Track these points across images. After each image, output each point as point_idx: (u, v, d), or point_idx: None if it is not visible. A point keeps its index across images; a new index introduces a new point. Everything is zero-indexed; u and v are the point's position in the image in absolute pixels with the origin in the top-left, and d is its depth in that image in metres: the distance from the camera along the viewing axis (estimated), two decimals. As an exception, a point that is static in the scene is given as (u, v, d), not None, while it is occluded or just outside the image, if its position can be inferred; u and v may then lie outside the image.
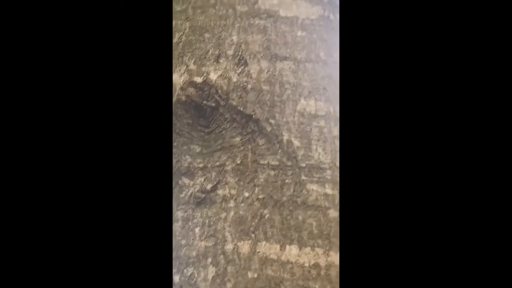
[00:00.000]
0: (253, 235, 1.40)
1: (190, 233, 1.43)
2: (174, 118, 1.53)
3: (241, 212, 1.42)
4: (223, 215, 1.43)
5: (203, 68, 1.56)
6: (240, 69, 1.54)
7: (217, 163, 1.47)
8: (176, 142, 1.53)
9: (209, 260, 1.42)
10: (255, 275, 1.39)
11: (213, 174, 1.46)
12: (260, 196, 1.42)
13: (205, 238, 1.42)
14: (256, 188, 1.43)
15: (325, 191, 1.44)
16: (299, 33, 1.59)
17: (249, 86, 1.52)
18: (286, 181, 1.44)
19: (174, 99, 1.53)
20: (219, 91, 1.52)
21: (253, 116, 1.49)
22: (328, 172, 1.46)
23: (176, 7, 1.64)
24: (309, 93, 1.53)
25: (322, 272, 1.40)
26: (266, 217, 1.41)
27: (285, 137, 1.47)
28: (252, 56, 1.55)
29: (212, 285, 1.40)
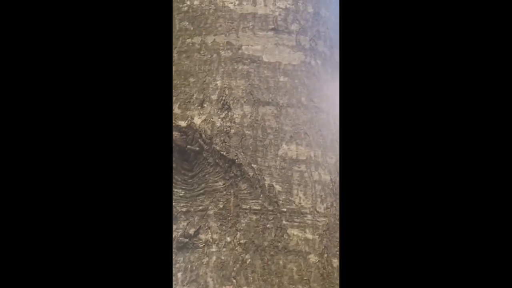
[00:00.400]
0: (234, 281, 1.42)
1: (173, 278, 1.45)
2: (158, 162, 1.55)
3: (223, 257, 1.44)
4: (205, 260, 1.45)
5: (188, 112, 1.58)
6: (223, 114, 1.57)
7: (200, 207, 1.49)
8: (160, 185, 1.55)
9: (191, 303, 1.44)
10: (236, 319, 1.41)
11: (196, 218, 1.48)
12: (242, 241, 1.45)
13: (187, 284, 1.44)
14: (238, 233, 1.45)
15: (306, 235, 1.47)
16: (281, 78, 1.62)
17: (232, 131, 1.55)
18: (268, 225, 1.47)
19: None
20: (203, 135, 1.54)
21: (236, 160, 1.51)
22: (309, 216, 1.49)
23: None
24: (290, 137, 1.56)
25: (302, 316, 1.42)
26: (248, 262, 1.43)
27: (267, 182, 1.50)
28: (235, 101, 1.58)
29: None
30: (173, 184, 1.53)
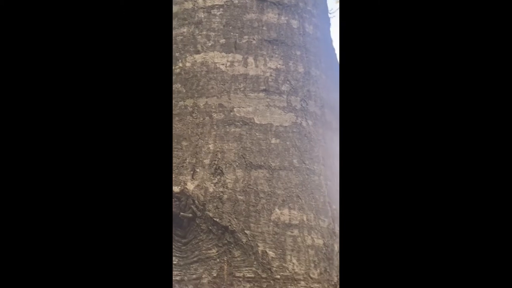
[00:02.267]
0: None
1: None
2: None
3: (217, 329, 1.41)
4: (200, 331, 1.41)
5: (180, 177, 1.55)
6: (216, 179, 1.54)
7: (194, 276, 1.46)
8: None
9: None
10: None
11: (190, 287, 1.45)
12: (236, 311, 1.41)
13: None
14: (232, 302, 1.42)
15: (299, 303, 1.44)
16: (273, 140, 1.60)
17: (225, 197, 1.52)
18: (261, 293, 1.43)
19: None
20: (196, 201, 1.51)
21: (229, 227, 1.48)
22: (302, 283, 1.46)
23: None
24: (283, 201, 1.53)
25: None
26: (242, 333, 1.40)
27: (260, 248, 1.47)
28: (228, 165, 1.55)
29: None
30: (166, 252, 1.49)
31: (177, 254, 1.48)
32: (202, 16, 1.71)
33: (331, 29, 1.95)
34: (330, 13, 2.05)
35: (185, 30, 1.71)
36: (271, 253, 1.46)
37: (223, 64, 1.66)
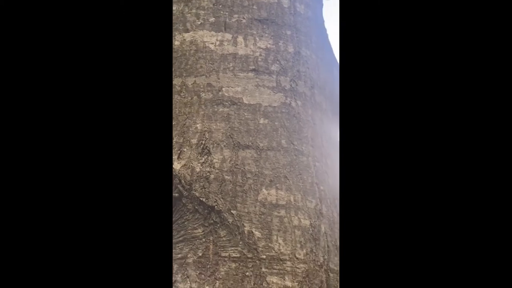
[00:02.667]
0: (213, 333, 1.37)
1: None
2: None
3: (201, 308, 1.40)
4: (184, 311, 1.40)
5: (167, 157, 1.53)
6: (203, 159, 1.52)
7: (179, 255, 1.44)
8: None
9: None
10: None
11: (175, 266, 1.43)
12: (221, 290, 1.40)
13: (165, 336, 1.39)
14: (217, 281, 1.41)
15: (285, 283, 1.42)
16: (261, 121, 1.58)
17: (212, 176, 1.50)
18: (247, 273, 1.42)
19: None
20: (183, 181, 1.49)
21: (216, 207, 1.46)
22: (288, 263, 1.44)
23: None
24: (270, 182, 1.51)
25: None
26: (226, 312, 1.39)
27: (246, 228, 1.46)
28: (215, 145, 1.53)
29: None
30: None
31: (163, 234, 1.46)
32: (192, -6, 1.69)
33: (323, 9, 1.92)
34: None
35: (174, 8, 1.68)
36: (257, 233, 1.45)
37: (212, 43, 1.63)
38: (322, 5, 1.89)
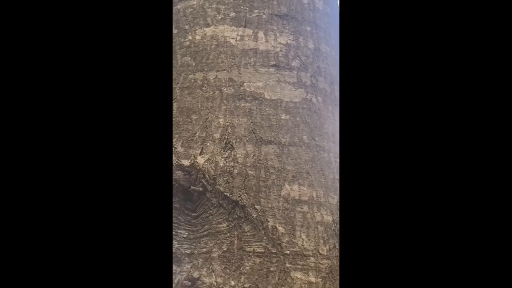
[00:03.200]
0: (240, 327, 1.37)
1: (178, 324, 1.40)
2: (161, 203, 1.49)
3: (228, 303, 1.39)
4: (210, 305, 1.40)
5: (190, 151, 1.52)
6: (226, 154, 1.51)
7: (204, 250, 1.44)
8: (163, 226, 1.49)
9: None
10: None
11: (200, 261, 1.43)
12: (246, 285, 1.40)
13: (193, 330, 1.39)
14: (242, 276, 1.40)
15: (309, 279, 1.42)
16: (283, 116, 1.57)
17: (236, 171, 1.49)
18: (271, 269, 1.42)
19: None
20: (207, 175, 1.49)
21: (240, 202, 1.46)
22: (312, 259, 1.45)
23: (164, 89, 1.61)
24: (293, 177, 1.51)
25: None
26: (252, 307, 1.39)
27: (270, 223, 1.45)
28: (238, 140, 1.52)
29: None
30: (176, 225, 1.47)
31: (187, 228, 1.46)
32: (212, -12, 1.67)
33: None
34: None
35: (194, 2, 1.67)
36: (281, 229, 1.44)
37: (233, 38, 1.62)
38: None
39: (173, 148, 1.52)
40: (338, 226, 1.50)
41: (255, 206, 1.46)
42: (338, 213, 1.51)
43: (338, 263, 1.45)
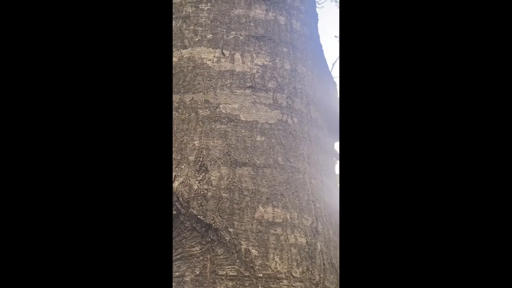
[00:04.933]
0: None
1: None
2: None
3: (199, 327, 1.38)
4: (182, 330, 1.38)
5: (165, 174, 1.51)
6: (201, 176, 1.50)
7: (177, 273, 1.42)
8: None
9: None
10: None
11: (173, 285, 1.41)
12: (218, 309, 1.38)
13: None
14: (215, 300, 1.39)
15: (281, 302, 1.41)
16: (258, 138, 1.56)
17: (209, 194, 1.48)
18: (244, 292, 1.40)
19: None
20: (180, 198, 1.47)
21: (213, 225, 1.44)
22: (285, 281, 1.43)
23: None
24: (267, 199, 1.50)
25: None
26: (224, 331, 1.37)
27: (243, 246, 1.44)
28: (212, 162, 1.51)
29: None
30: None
31: (160, 251, 1.44)
32: (190, 10, 1.66)
33: (318, 24, 1.90)
34: (318, 4, 2.00)
35: (173, 24, 1.65)
36: (254, 251, 1.43)
37: (210, 60, 1.61)
38: (317, 20, 1.88)
39: (148, 171, 1.51)
40: (311, 248, 1.48)
41: (229, 229, 1.44)
42: (312, 235, 1.50)
43: (311, 285, 1.44)
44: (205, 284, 1.39)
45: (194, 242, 1.43)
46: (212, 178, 1.48)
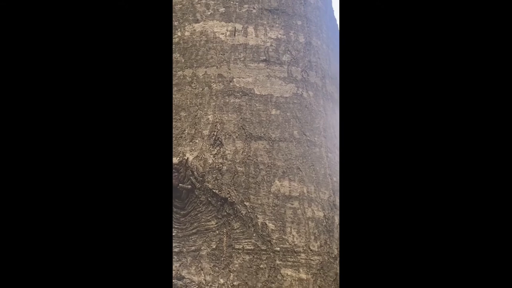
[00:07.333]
0: (228, 326, 1.32)
1: (166, 324, 1.34)
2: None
3: (216, 301, 1.34)
4: (199, 304, 1.34)
5: (179, 148, 1.47)
6: (215, 150, 1.45)
7: (193, 248, 1.38)
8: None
9: None
10: None
11: (189, 259, 1.37)
12: (235, 283, 1.34)
13: (180, 330, 1.33)
14: (231, 274, 1.35)
15: (300, 275, 1.36)
16: (273, 112, 1.51)
17: (225, 168, 1.43)
18: (261, 266, 1.36)
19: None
20: (195, 173, 1.43)
21: (229, 199, 1.40)
22: (302, 255, 1.38)
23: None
24: (283, 173, 1.45)
25: None
26: (241, 305, 1.33)
27: (260, 220, 1.39)
28: (227, 136, 1.46)
29: None
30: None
31: (176, 226, 1.40)
32: (201, -16, 1.62)
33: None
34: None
35: None
36: (271, 225, 1.38)
37: (222, 34, 1.56)
38: (331, -5, 1.82)
39: (162, 146, 1.47)
40: (329, 221, 1.43)
41: (245, 203, 1.40)
42: (329, 208, 1.45)
43: (329, 259, 1.39)
44: (222, 258, 1.35)
45: (210, 216, 1.39)
46: (227, 152, 1.44)
